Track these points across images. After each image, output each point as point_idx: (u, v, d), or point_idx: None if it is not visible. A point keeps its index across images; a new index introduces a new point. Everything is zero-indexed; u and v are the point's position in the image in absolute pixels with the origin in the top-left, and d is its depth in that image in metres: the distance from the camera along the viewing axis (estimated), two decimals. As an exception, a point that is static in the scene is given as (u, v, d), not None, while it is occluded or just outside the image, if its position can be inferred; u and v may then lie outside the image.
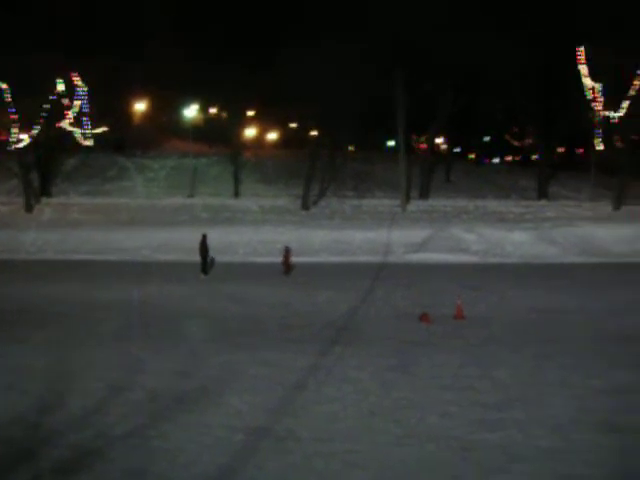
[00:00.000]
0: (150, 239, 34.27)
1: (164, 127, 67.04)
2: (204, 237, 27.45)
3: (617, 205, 45.37)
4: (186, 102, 59.34)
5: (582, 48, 45.14)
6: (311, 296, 22.91)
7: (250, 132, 63.62)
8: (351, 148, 60.25)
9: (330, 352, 15.60)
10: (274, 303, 21.74)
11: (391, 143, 69.41)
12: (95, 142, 54.34)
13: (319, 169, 50.07)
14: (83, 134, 52.45)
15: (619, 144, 47.22)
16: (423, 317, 18.97)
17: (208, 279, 26.36)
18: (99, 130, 53.60)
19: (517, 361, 14.89)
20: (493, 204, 50.09)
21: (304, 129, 58.03)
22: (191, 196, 52.80)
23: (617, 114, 44.43)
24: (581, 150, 72.41)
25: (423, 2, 46.71)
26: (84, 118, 51.92)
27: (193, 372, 13.95)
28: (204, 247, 27.20)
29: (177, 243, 33.14)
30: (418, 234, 35.81)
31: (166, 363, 14.60)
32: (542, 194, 53.96)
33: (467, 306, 19.71)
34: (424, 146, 58.09)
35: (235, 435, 10.53)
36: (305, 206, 48.04)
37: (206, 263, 27.19)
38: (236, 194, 54.21)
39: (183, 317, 19.46)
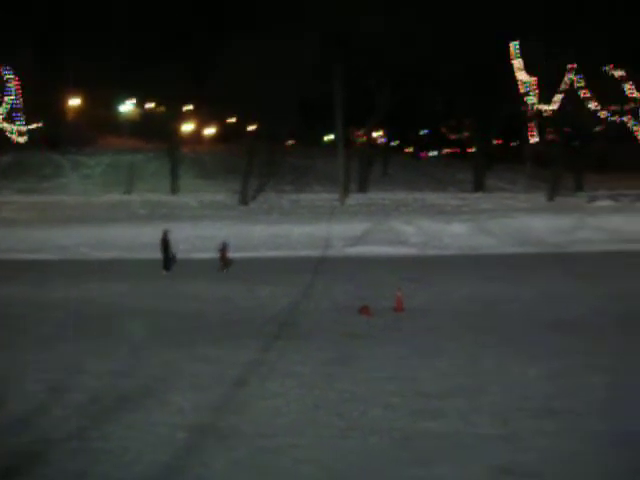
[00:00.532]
0: (88, 236, 33.79)
1: (99, 123, 66.01)
2: (165, 233, 27.24)
3: (551, 196, 46.42)
4: (122, 97, 58.52)
5: (516, 43, 45.98)
6: (251, 291, 22.88)
7: (188, 127, 63.10)
8: (289, 142, 60.33)
9: (272, 347, 15.61)
10: (214, 299, 21.66)
11: (329, 137, 69.67)
12: (29, 139, 53.23)
13: (257, 164, 50.00)
14: (16, 131, 51.31)
15: (552, 137, 48.29)
16: (363, 310, 19.10)
17: (148, 276, 26.10)
18: (33, 126, 52.51)
19: (457, 351, 15.13)
20: (431, 197, 50.73)
21: (242, 124, 57.82)
22: (128, 193, 52.17)
23: (550, 107, 45.38)
24: (516, 143, 73.75)
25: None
26: (16, 114, 50.80)
27: (134, 371, 13.80)
28: (165, 243, 27.01)
29: (115, 240, 32.74)
30: (357, 227, 36.06)
31: (107, 363, 14.41)
32: (478, 186, 54.86)
33: (407, 298, 19.93)
34: (362, 139, 58.46)
35: (178, 433, 10.45)
36: (243, 201, 47.93)
37: (168, 259, 26.96)
38: (174, 190, 53.76)
39: (123, 315, 19.23)
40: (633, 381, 13.05)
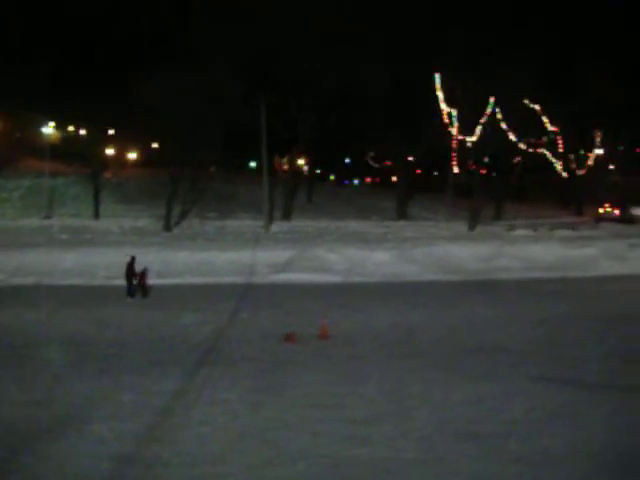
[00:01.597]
0: (5, 262, 32.77)
1: (19, 145, 64.55)
2: (132, 259, 26.71)
3: (472, 225, 47.36)
4: (43, 119, 57.40)
5: (438, 76, 47.08)
6: (175, 318, 22.59)
7: (110, 151, 62.27)
8: (213, 169, 60.13)
9: (197, 375, 15.42)
10: (138, 326, 21.29)
11: (253, 164, 69.75)
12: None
13: (181, 190, 49.63)
14: None
15: (473, 167, 49.46)
16: (289, 337, 19.06)
17: (67, 303, 25.44)
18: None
19: (383, 377, 15.24)
20: (355, 225, 51.19)
21: (166, 149, 57.43)
22: (48, 217, 51.01)
23: (471, 138, 46.53)
24: (438, 173, 75.36)
25: (283, 27, 47.37)
26: None
27: (55, 400, 13.40)
28: (130, 269, 26.47)
29: (34, 266, 31.85)
30: (282, 255, 36.04)
31: (24, 392, 13.96)
32: (401, 215, 55.66)
33: (332, 325, 19.99)
34: (286, 167, 58.77)
35: (102, 464, 10.19)
36: (167, 227, 47.46)
37: (131, 286, 26.41)
38: (96, 215, 52.84)
39: (43, 343, 18.65)
40: (551, 404, 13.37)
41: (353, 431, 11.65)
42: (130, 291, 26.51)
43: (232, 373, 15.59)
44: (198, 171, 50.63)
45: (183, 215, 49.31)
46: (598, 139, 60.54)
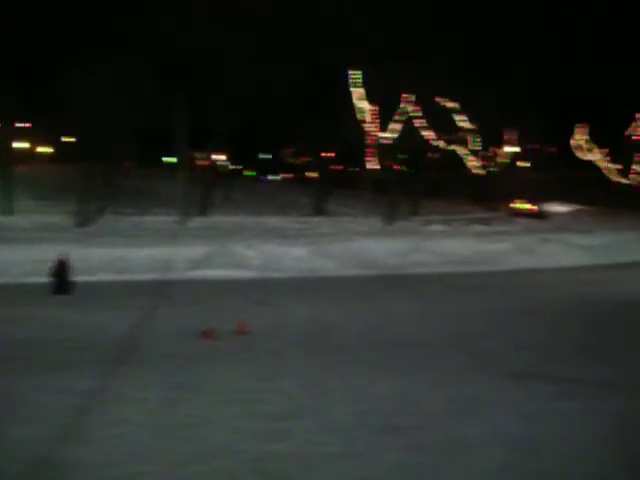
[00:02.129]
0: None
1: None
2: (63, 257, 25.89)
3: (389, 221, 47.94)
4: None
5: (356, 71, 47.42)
6: (91, 316, 22.08)
7: (22, 145, 60.48)
8: (128, 164, 59.14)
9: (113, 373, 15.13)
10: (53, 325, 20.72)
11: (171, 159, 68.90)
12: None
13: (96, 185, 48.63)
14: None
15: (390, 163, 50.07)
16: (206, 333, 18.90)
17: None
18: None
19: (302, 371, 15.27)
20: (272, 220, 51.11)
21: (81, 144, 56.17)
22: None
23: (388, 135, 47.10)
24: (355, 169, 75.91)
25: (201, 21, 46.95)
26: None
27: (-37, 402, 12.97)
28: (61, 267, 25.72)
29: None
30: (199, 251, 35.68)
31: None
32: (319, 211, 55.92)
33: (250, 321, 19.92)
34: (204, 163, 58.28)
35: (17, 466, 9.90)
36: (81, 223, 46.41)
37: (60, 283, 25.63)
38: (6, 211, 51.26)
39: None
40: (469, 395, 13.68)
41: (273, 426, 11.66)
42: (57, 289, 25.82)
43: (150, 371, 15.35)
44: (113, 166, 49.71)
45: (98, 211, 48.33)
46: (513, 137, 62.11)
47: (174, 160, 58.10)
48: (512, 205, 61.21)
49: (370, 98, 47.74)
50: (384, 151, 50.66)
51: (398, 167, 52.37)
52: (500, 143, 64.97)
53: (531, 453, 10.94)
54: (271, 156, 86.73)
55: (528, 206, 63.00)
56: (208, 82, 47.64)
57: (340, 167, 76.78)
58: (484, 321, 21.67)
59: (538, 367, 16.22)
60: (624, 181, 58.28)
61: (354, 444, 10.89)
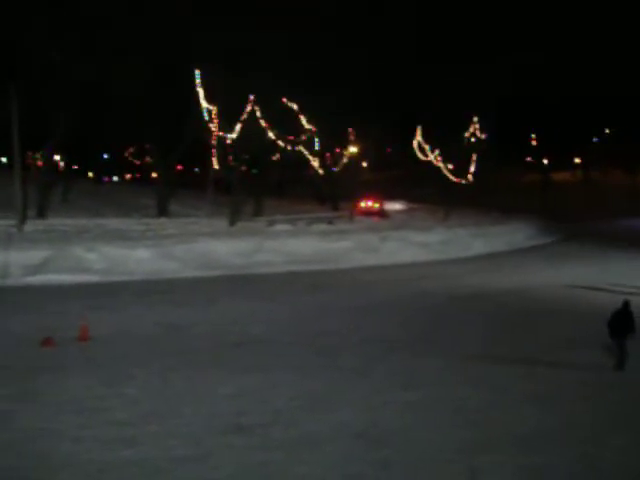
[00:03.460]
0: None
1: None
2: None
3: (233, 221, 47.85)
4: None
5: (198, 72, 46.96)
6: None
7: None
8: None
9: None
10: None
11: (3, 159, 65.81)
12: None
13: None
14: None
15: (233, 164, 49.95)
16: (46, 341, 18.20)
17: None
18: None
19: (147, 376, 15.04)
20: (114, 222, 49.74)
21: None
22: None
23: (231, 135, 46.98)
24: (199, 169, 75.33)
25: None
26: None
27: None
28: None
29: None
30: (37, 255, 34.23)
31: None
32: (162, 212, 54.99)
33: (92, 326, 19.36)
34: (40, 163, 55.94)
35: None
36: None
37: None
38: None
39: None
40: (313, 391, 13.97)
41: (118, 434, 11.42)
42: None
43: (-16, 382, 14.64)
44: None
45: None
46: (352, 137, 63.60)
47: (7, 160, 55.52)
48: (355, 204, 62.64)
49: (213, 98, 47.44)
50: (227, 151, 50.49)
51: (242, 167, 52.34)
52: (341, 144, 66.28)
53: (375, 442, 11.33)
54: (111, 156, 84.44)
55: (370, 205, 64.90)
56: (41, 79, 45.74)
57: (183, 167, 75.95)
58: (329, 318, 22.14)
59: (382, 360, 16.80)
60: (461, 181, 60.97)
61: (201, 446, 10.87)
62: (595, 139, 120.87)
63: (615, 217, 71.34)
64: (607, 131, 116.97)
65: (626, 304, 16.69)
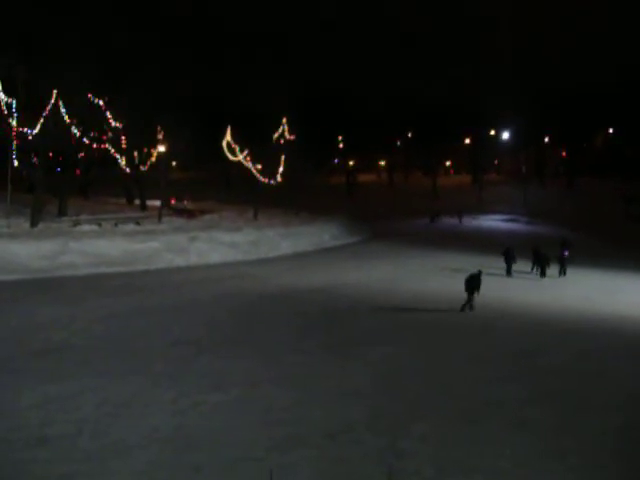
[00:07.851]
0: None
1: None
2: None
3: (35, 222, 45.70)
4: None
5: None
6: None
7: None
8: None
9: None
10: None
11: None
12: None
13: None
14: None
15: (35, 161, 47.74)
16: None
17: None
18: None
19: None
20: None
21: None
22: None
23: (33, 131, 44.80)
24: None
25: None
26: None
27: None
28: None
29: None
30: None
31: None
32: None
33: None
34: None
35: None
36: None
37: None
38: None
39: None
40: (120, 397, 13.68)
41: None
42: None
43: None
44: None
45: None
46: (161, 136, 62.44)
47: None
48: (165, 203, 61.58)
49: (13, 91, 44.86)
50: (29, 148, 47.96)
51: (45, 165, 49.86)
52: (150, 142, 64.82)
53: (186, 446, 11.29)
54: None
55: (180, 204, 64.06)
56: None
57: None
58: (137, 320, 21.70)
59: (192, 362, 16.73)
60: (270, 181, 61.58)
61: None
62: (398, 143, 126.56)
63: (415, 217, 75.44)
64: (409, 135, 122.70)
65: (479, 272, 24.41)
